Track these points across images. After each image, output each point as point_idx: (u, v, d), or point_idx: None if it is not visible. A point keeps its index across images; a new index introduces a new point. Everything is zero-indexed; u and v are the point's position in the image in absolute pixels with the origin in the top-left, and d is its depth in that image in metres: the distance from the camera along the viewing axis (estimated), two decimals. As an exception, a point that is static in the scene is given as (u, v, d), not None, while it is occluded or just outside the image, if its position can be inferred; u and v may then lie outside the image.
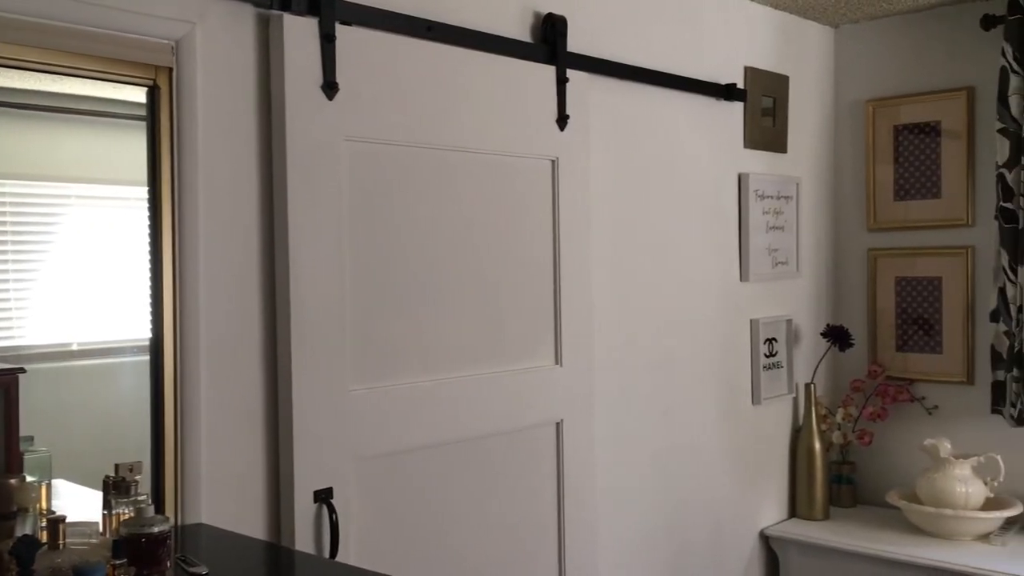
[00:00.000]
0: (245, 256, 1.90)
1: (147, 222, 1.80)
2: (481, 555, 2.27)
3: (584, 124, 2.52)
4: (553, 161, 2.45)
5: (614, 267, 2.68)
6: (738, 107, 3.08)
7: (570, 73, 2.47)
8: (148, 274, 1.79)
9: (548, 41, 2.43)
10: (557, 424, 2.46)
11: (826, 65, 3.49)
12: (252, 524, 1.90)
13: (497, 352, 2.32)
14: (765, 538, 3.19)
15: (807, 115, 3.39)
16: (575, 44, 2.50)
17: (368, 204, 2.05)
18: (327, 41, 1.95)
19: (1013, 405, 2.92)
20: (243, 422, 1.89)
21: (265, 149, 1.92)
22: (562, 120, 2.45)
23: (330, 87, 1.96)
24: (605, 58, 2.60)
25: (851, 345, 3.30)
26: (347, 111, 1.99)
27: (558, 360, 2.46)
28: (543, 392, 2.42)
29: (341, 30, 1.98)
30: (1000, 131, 2.94)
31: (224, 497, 1.86)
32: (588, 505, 2.54)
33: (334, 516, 1.94)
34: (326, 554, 1.93)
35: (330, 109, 1.96)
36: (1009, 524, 3.03)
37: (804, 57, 3.38)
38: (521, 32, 2.41)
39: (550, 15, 2.43)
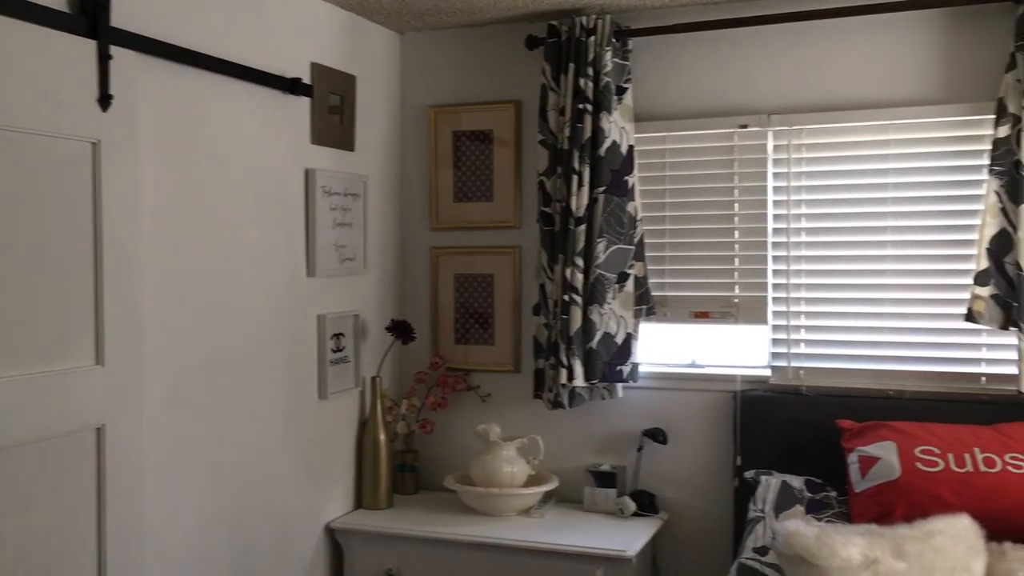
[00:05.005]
0: None
1: None
2: (0, 581, 2.03)
3: (131, 106, 2.35)
4: (94, 144, 2.25)
5: (168, 261, 2.53)
6: (305, 103, 3.07)
7: (115, 50, 2.28)
8: None
9: (88, 13, 2.23)
10: (98, 429, 2.27)
11: (392, 69, 3.61)
12: None
13: (22, 352, 2.08)
14: (331, 531, 3.22)
15: (375, 116, 3.49)
16: (122, 19, 2.33)
17: None
18: None
19: (550, 390, 3.24)
20: None
21: None
22: (104, 100, 2.26)
23: None
24: (157, 38, 2.45)
25: (413, 339, 3.45)
26: None
27: (99, 360, 2.27)
28: (80, 395, 2.21)
29: None
30: (540, 142, 3.25)
31: None
32: (135, 515, 2.37)
33: None
34: None
35: None
36: (547, 497, 3.36)
37: (371, 59, 3.46)
38: (56, 0, 2.18)
39: (91, -16, 2.24)
